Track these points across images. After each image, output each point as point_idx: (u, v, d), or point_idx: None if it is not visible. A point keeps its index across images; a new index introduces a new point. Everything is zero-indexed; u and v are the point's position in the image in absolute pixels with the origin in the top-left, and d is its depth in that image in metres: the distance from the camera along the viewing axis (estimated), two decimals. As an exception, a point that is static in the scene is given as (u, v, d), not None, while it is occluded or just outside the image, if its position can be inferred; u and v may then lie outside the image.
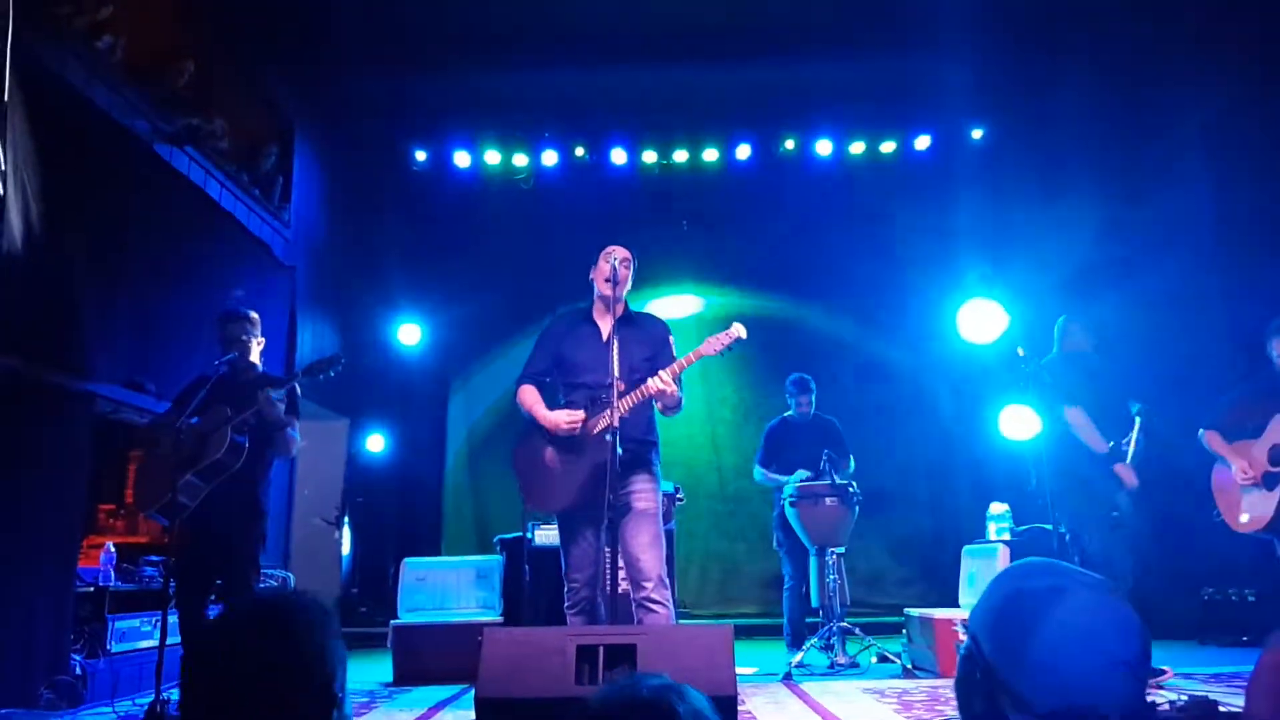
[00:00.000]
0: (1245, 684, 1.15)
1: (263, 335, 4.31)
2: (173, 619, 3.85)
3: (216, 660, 1.25)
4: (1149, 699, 1.24)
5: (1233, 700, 3.52)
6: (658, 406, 3.67)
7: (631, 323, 3.80)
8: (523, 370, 3.88)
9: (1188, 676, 4.42)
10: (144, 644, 4.58)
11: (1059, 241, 7.36)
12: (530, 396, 3.77)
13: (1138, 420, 4.63)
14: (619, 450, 3.40)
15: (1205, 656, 5.36)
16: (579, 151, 8.81)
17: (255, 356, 4.21)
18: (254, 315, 4.25)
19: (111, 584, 4.50)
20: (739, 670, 3.04)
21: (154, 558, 4.97)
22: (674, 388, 3.51)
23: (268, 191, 6.94)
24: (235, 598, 3.97)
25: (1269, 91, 6.20)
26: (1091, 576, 1.29)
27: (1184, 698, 3.56)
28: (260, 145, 6.97)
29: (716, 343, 3.54)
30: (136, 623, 4.57)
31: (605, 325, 3.74)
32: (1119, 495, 4.64)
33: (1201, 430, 4.54)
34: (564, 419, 3.60)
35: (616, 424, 3.39)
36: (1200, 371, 6.24)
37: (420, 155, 8.93)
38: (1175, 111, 7.12)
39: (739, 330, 3.54)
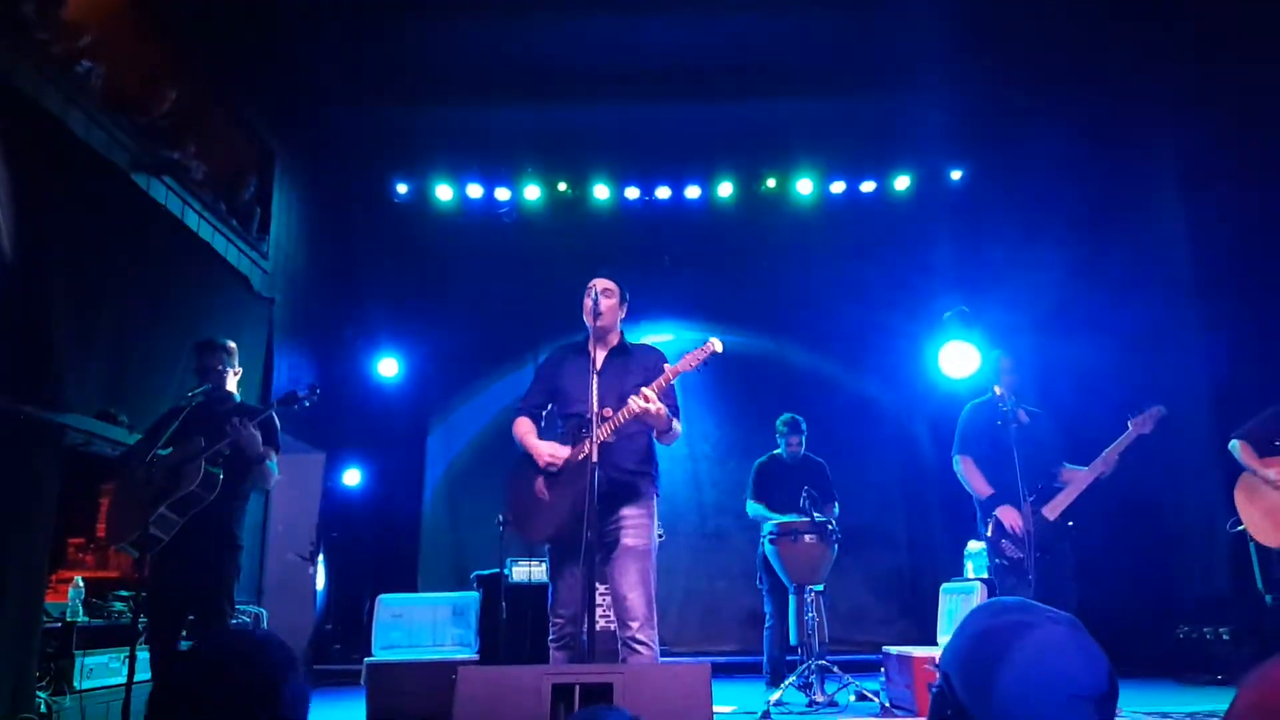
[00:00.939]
0: None
1: (239, 366, 4.26)
2: (143, 655, 3.75)
3: (177, 700, 1.25)
4: None
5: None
6: (653, 433, 3.64)
7: (624, 353, 3.81)
8: (520, 402, 3.90)
9: (1164, 716, 4.40)
10: (113, 681, 4.46)
11: (1037, 279, 7.43)
12: (523, 428, 3.78)
13: (1128, 429, 4.46)
14: (604, 478, 3.38)
15: (1181, 696, 5.35)
16: (561, 186, 8.87)
17: (232, 387, 4.15)
18: (231, 345, 4.19)
19: (80, 619, 4.39)
20: (717, 709, 3.01)
21: (124, 592, 4.85)
22: (658, 405, 3.41)
23: (246, 222, 6.91)
24: (205, 635, 3.89)
25: (1242, 132, 6.31)
26: (1059, 613, 1.28)
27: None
28: (240, 175, 6.95)
29: (693, 359, 3.50)
30: (105, 659, 4.45)
31: (599, 356, 3.76)
32: (1001, 538, 4.57)
33: (1234, 440, 4.46)
34: (545, 451, 3.60)
35: (595, 456, 3.36)
36: (1176, 408, 6.28)
37: (402, 188, 8.94)
38: (1150, 152, 7.24)
39: (715, 345, 3.49)
